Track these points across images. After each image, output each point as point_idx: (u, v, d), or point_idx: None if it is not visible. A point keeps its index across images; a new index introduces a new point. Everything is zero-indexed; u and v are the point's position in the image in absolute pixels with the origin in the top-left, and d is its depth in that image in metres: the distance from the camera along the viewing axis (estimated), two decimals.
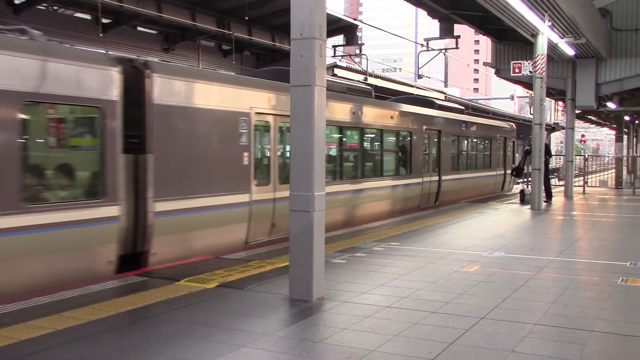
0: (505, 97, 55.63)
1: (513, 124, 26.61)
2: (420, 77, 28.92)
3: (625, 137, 34.61)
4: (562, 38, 16.17)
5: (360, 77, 22.60)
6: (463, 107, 22.86)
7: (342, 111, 12.69)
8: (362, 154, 13.83)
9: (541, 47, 15.63)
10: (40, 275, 6.84)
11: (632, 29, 19.16)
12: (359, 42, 24.65)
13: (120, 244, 7.76)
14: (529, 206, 16.33)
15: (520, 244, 10.37)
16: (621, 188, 26.09)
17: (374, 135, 14.43)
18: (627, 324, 5.59)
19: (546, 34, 15.39)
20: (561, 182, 23.98)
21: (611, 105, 24.49)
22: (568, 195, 20.62)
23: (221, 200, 9.26)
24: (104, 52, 9.19)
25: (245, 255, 8.77)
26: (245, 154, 9.73)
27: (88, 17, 15.28)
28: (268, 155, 10.56)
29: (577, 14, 14.56)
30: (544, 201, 17.19)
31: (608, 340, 5.13)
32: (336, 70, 21.92)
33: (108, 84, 7.49)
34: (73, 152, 7.76)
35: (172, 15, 16.33)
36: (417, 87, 29.93)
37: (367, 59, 24.92)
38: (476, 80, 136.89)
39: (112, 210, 7.53)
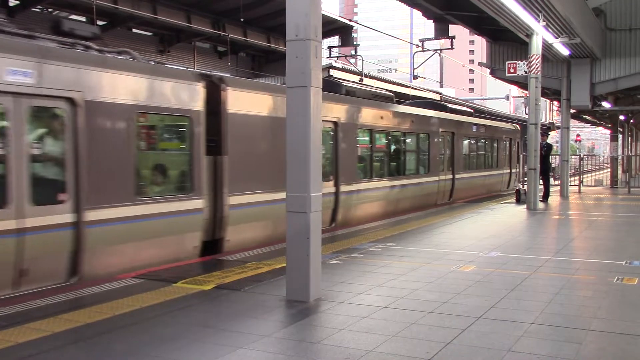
0: (501, 97, 55.69)
1: (517, 126, 26.94)
2: (415, 77, 28.94)
3: (620, 136, 34.71)
4: (557, 38, 16.22)
5: (356, 78, 22.62)
6: (472, 110, 23.54)
7: (373, 116, 14.08)
8: (390, 154, 15.42)
9: (536, 47, 15.67)
10: (146, 257, 8.18)
11: (626, 28, 19.22)
12: (355, 43, 24.70)
13: (203, 231, 9.17)
14: (524, 206, 16.36)
15: (516, 243, 10.39)
16: (616, 187, 26.18)
17: (399, 138, 16.00)
18: (623, 322, 5.61)
19: (541, 34, 15.43)
20: (557, 182, 24.05)
21: (606, 104, 24.58)
22: (563, 194, 20.67)
23: (280, 195, 9.75)
24: (190, 69, 10.67)
25: (241, 257, 8.77)
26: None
27: (83, 19, 15.26)
28: None
29: (572, 14, 14.61)
30: (540, 200, 17.24)
31: (604, 339, 5.15)
32: (331, 72, 21.93)
33: (195, 97, 8.93)
34: (169, 154, 9.48)
35: (167, 17, 16.32)
36: (413, 88, 29.95)
37: (363, 60, 24.95)
38: (471, 80, 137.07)
39: (198, 203, 8.99)
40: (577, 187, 23.93)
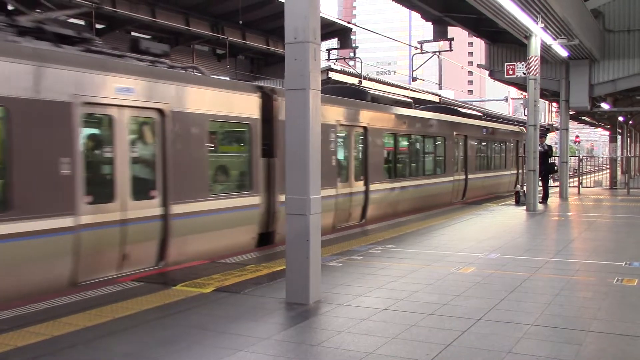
0: (500, 99, 55.78)
1: (524, 128, 27.00)
2: (414, 79, 28.96)
3: (619, 137, 34.72)
4: (555, 39, 16.24)
5: (355, 81, 22.62)
6: (481, 114, 24.15)
7: (396, 121, 15.52)
8: (411, 156, 16.94)
9: (534, 49, 15.68)
10: (214, 246, 9.41)
11: (624, 29, 19.24)
12: (353, 45, 24.71)
13: (259, 224, 10.51)
14: (524, 207, 16.37)
15: (515, 245, 10.39)
16: (616, 188, 26.19)
17: (419, 141, 17.29)
18: (623, 323, 5.61)
19: (539, 36, 15.45)
20: (556, 183, 24.09)
21: (605, 106, 24.59)
22: (563, 196, 20.67)
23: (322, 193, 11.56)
24: (250, 83, 12.31)
25: (241, 260, 8.77)
26: (333, 157, 12.45)
27: (82, 22, 15.26)
28: (345, 157, 13.32)
29: (570, 15, 14.62)
30: (539, 202, 17.24)
31: (604, 340, 5.15)
32: (330, 74, 21.94)
33: (253, 106, 10.30)
34: (234, 156, 10.94)
35: (166, 20, 16.33)
36: (412, 90, 29.97)
37: (362, 62, 24.96)
38: (470, 82, 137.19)
39: (256, 200, 10.36)
40: (577, 188, 23.95)
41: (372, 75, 28.24)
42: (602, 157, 44.93)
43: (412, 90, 30.00)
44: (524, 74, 16.14)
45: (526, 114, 18.38)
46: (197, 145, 9.17)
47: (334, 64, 23.90)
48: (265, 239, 10.71)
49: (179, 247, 8.68)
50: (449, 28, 20.32)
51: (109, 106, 7.71)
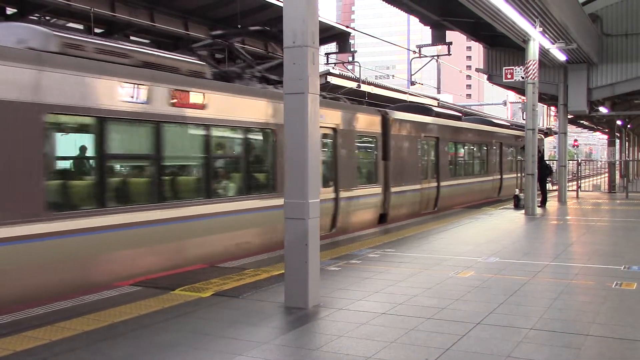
0: (498, 103, 55.83)
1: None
2: (413, 83, 28.96)
3: (617, 141, 34.76)
4: (554, 44, 16.27)
5: (354, 85, 22.63)
6: (508, 123, 25.20)
7: (455, 132, 19.92)
8: (465, 160, 21.27)
9: (533, 53, 15.71)
10: (358, 221, 13.55)
11: (622, 34, 19.29)
12: (352, 49, 24.68)
13: (379, 207, 14.83)
14: (522, 211, 16.36)
15: (514, 249, 10.39)
16: (614, 192, 26.20)
17: (471, 148, 21.89)
18: (622, 327, 5.60)
19: (537, 40, 15.48)
20: (554, 187, 24.10)
21: (603, 109, 24.62)
22: (561, 199, 20.69)
23: (417, 186, 16.88)
24: (374, 107, 16.19)
25: (239, 264, 8.76)
26: (428, 160, 17.66)
27: (80, 27, 15.25)
28: (425, 160, 17.54)
29: (568, 19, 14.66)
30: (538, 206, 17.24)
31: (603, 344, 5.15)
32: (329, 78, 21.94)
33: (378, 124, 14.86)
34: (367, 159, 14.91)
35: (164, 24, 16.32)
36: (410, 94, 29.98)
37: (360, 66, 24.97)
38: (469, 86, 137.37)
39: (379, 189, 14.79)
40: (575, 192, 23.97)
41: (370, 79, 28.28)
42: (601, 161, 44.97)
43: (410, 94, 30.00)
44: (523, 78, 16.15)
45: (524, 118, 18.37)
46: (351, 151, 13.47)
47: (333, 68, 23.90)
48: (383, 218, 14.86)
49: (342, 219, 12.88)
50: (448, 32, 20.33)
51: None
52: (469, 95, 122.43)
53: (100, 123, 7.70)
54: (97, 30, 14.94)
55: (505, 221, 14.73)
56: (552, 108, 34.32)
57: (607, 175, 30.19)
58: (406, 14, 21.03)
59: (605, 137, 40.76)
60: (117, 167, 8.49)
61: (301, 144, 6.21)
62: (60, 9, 13.77)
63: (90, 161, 8.03)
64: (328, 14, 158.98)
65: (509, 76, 16.54)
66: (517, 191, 20.61)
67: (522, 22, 13.58)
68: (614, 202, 21.21)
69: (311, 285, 6.28)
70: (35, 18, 14.37)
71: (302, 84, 6.17)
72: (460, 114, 21.46)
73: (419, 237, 11.58)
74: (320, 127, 8.81)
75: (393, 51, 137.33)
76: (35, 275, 6.90)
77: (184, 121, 8.94)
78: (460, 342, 5.13)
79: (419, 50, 23.31)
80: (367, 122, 14.13)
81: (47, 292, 6.89)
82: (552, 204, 19.66)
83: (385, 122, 14.96)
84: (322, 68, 22.24)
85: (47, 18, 14.91)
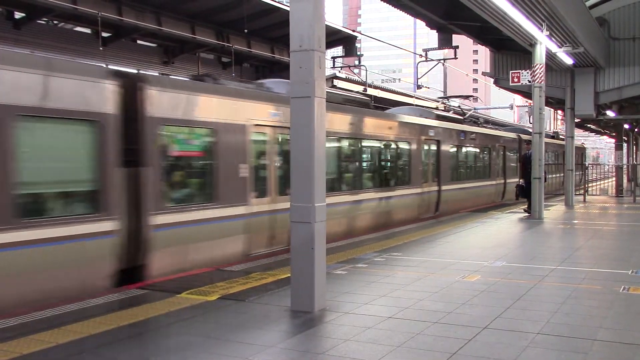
0: (505, 107, 55.60)
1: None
2: (419, 87, 28.96)
3: (624, 145, 34.62)
4: (561, 47, 16.23)
5: (360, 88, 22.65)
6: (462, 117, 23.60)
7: (457, 135, 20.33)
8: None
9: (539, 57, 15.68)
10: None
11: (629, 37, 19.22)
12: (358, 53, 24.70)
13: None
14: (529, 215, 16.31)
15: (521, 253, 10.36)
16: (622, 196, 26.08)
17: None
18: (630, 332, 5.58)
19: (544, 44, 15.44)
20: (560, 191, 24.04)
21: (610, 113, 24.54)
22: (569, 203, 20.61)
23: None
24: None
25: (246, 267, 8.77)
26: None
27: (88, 31, 15.33)
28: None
29: (575, 23, 14.62)
30: (525, 210, 17.22)
31: (610, 349, 5.12)
32: (335, 82, 21.96)
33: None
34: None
35: (171, 28, 16.38)
36: (417, 98, 29.98)
37: (367, 70, 24.99)
38: (475, 89, 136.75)
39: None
40: (582, 196, 23.87)
41: (377, 83, 28.29)
42: (608, 165, 44.77)
43: (416, 97, 30.00)
44: (529, 81, 16.11)
45: (531, 121, 18.33)
46: (447, 158, 17.77)
47: (339, 71, 23.92)
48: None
49: (443, 206, 16.82)
50: (454, 36, 20.32)
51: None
52: (475, 99, 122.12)
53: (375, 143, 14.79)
54: (104, 35, 15.00)
55: (511, 225, 14.69)
56: (559, 112, 34.23)
57: (614, 179, 30.05)
58: (412, 18, 21.03)
59: (613, 141, 40.60)
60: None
61: (307, 147, 6.22)
62: (68, 13, 13.84)
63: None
64: (334, 17, 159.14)
65: (515, 80, 16.49)
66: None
67: (528, 26, 13.55)
68: (621, 206, 21.11)
69: (317, 289, 6.28)
70: (43, 22, 14.46)
71: (308, 87, 6.18)
72: (460, 117, 21.79)
73: (425, 241, 11.56)
74: (431, 139, 17.07)
75: (400, 55, 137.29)
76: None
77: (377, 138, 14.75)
78: (466, 346, 5.12)
79: (426, 54, 23.30)
80: (454, 136, 19.00)
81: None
82: (559, 208, 19.60)
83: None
84: (329, 72, 22.27)
85: (55, 22, 14.99)
